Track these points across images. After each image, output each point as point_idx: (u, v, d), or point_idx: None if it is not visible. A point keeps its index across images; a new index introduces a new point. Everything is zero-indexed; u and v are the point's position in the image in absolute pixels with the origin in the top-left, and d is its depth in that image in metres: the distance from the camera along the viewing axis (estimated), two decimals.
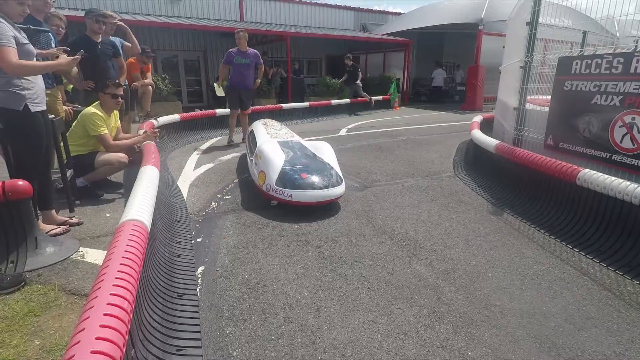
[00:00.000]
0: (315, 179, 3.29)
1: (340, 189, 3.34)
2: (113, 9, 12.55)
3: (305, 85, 14.70)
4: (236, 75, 5.97)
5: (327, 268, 2.37)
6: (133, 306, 1.26)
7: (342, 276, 2.28)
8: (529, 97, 4.27)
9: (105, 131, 3.55)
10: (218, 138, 6.94)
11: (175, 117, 6.64)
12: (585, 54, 3.37)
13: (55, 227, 2.75)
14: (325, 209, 3.33)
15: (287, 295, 2.08)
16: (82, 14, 6.93)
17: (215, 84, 6.36)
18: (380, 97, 12.96)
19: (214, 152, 5.81)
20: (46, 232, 2.60)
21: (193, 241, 2.70)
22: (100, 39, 4.24)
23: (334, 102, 11.21)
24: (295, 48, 14.88)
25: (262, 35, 13.91)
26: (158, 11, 13.63)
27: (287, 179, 3.26)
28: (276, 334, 1.77)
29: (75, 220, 2.98)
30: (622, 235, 2.51)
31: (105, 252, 2.41)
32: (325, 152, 3.91)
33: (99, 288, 1.23)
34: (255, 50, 6.15)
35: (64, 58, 2.61)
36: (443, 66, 16.88)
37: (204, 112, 7.68)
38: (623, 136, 2.86)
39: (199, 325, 1.78)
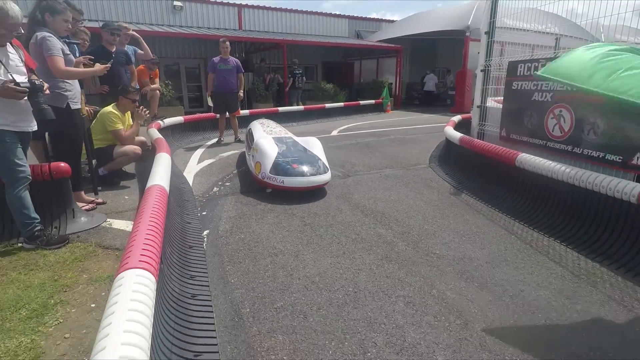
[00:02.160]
0: (304, 168, 3.78)
1: (326, 177, 3.87)
2: (118, 18, 13.29)
3: (302, 90, 15.34)
4: (220, 81, 6.56)
5: (307, 231, 2.96)
6: (162, 236, 1.84)
7: (318, 236, 2.87)
8: (496, 98, 4.87)
9: (120, 127, 4.15)
10: (218, 139, 7.53)
11: (179, 119, 7.26)
12: (527, 58, 3.97)
13: (86, 204, 3.35)
14: (313, 193, 3.91)
15: (274, 248, 2.66)
16: (89, 23, 7.58)
17: (208, 97, 6.98)
18: (372, 101, 13.63)
19: (214, 150, 6.41)
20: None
21: (199, 214, 3.29)
22: (114, 49, 4.85)
23: (328, 105, 11.84)
24: (292, 55, 15.57)
25: (260, 43, 14.60)
26: (161, 21, 14.35)
27: (279, 168, 3.76)
28: (263, 270, 2.35)
29: (100, 200, 3.57)
30: (547, 204, 3.11)
31: (127, 222, 3.02)
32: (315, 146, 4.41)
33: (139, 223, 1.81)
34: (237, 59, 6.75)
35: (97, 66, 3.23)
36: (434, 71, 17.53)
37: (204, 114, 8.30)
38: (554, 126, 3.46)
39: (205, 265, 2.36)
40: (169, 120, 6.72)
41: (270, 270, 2.35)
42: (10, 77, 2.38)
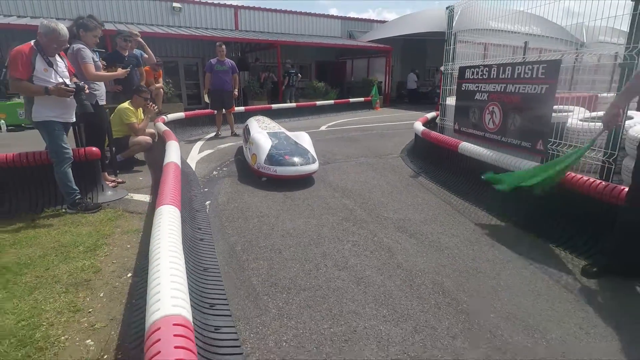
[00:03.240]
0: (295, 159, 4.32)
1: (314, 166, 4.41)
2: (120, 19, 14.00)
3: (298, 88, 16.11)
4: (216, 80, 7.33)
5: (288, 201, 3.76)
6: (180, 197, 2.62)
7: (296, 205, 3.67)
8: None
9: (134, 120, 4.93)
10: (216, 132, 8.31)
11: (180, 114, 8.03)
12: (472, 65, 4.77)
13: (109, 182, 4.13)
14: (300, 179, 4.70)
15: (260, 212, 3.46)
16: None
17: (204, 95, 7.75)
18: (362, 99, 14.43)
19: (213, 142, 7.19)
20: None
21: (202, 190, 4.08)
22: (127, 53, 5.61)
23: (319, 103, 12.62)
24: (286, 54, 16.29)
25: (255, 43, 15.34)
26: (161, 21, 15.04)
27: (273, 159, 4.28)
28: (252, 225, 3.16)
29: (120, 180, 4.35)
30: (477, 181, 3.92)
31: (144, 195, 3.80)
32: (305, 140, 4.95)
33: (165, 182, 2.60)
34: (232, 60, 7.52)
35: (120, 70, 4.00)
36: (417, 70, 18.32)
37: (203, 111, 9.06)
38: (489, 120, 4.27)
39: (209, 222, 3.16)
40: (171, 116, 7.50)
41: (257, 226, 3.15)
42: (61, 80, 3.16)
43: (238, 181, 4.52)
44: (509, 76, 3.92)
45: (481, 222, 3.29)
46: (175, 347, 1.01)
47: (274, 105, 11.22)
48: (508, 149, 3.94)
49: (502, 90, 4.03)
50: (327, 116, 12.13)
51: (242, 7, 16.83)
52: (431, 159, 5.05)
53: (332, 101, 13.25)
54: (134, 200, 3.80)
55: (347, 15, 20.26)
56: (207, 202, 3.71)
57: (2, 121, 8.98)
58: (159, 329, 1.08)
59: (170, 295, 1.24)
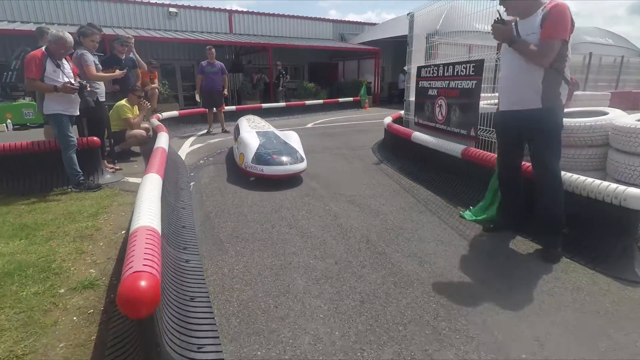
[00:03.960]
0: (283, 158, 4.24)
1: (302, 165, 4.32)
2: (119, 23, 14.66)
3: (287, 89, 16.76)
4: (208, 81, 7.98)
5: (260, 183, 4.38)
6: (163, 179, 3.25)
7: (267, 185, 4.30)
8: None
9: (130, 115, 5.57)
10: (207, 129, 8.96)
11: (174, 113, 8.67)
12: (427, 64, 5.39)
13: (109, 168, 4.76)
14: None
15: (236, 190, 4.10)
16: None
17: (196, 94, 8.40)
18: (351, 99, 15.07)
19: (204, 138, 7.83)
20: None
21: (188, 174, 4.71)
22: (124, 56, 6.25)
23: (308, 102, 13.27)
24: (280, 56, 16.96)
25: (249, 46, 15.99)
26: (158, 25, 15.72)
27: (260, 159, 4.23)
28: (226, 198, 3.79)
29: (117, 167, 4.99)
30: (424, 164, 4.56)
31: (138, 178, 4.42)
32: (293, 139, 4.93)
33: (153, 159, 3.23)
34: (221, 63, 8.16)
35: (117, 72, 4.65)
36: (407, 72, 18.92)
37: (196, 109, 9.70)
38: (438, 112, 4.91)
39: (190, 197, 3.79)
40: (165, 114, 8.14)
41: (230, 199, 3.79)
42: (67, 79, 3.80)
43: (220, 168, 5.15)
44: (451, 74, 4.55)
45: (419, 197, 3.92)
46: (146, 241, 1.63)
47: (264, 105, 11.87)
48: (452, 136, 4.57)
49: (446, 86, 4.66)
50: (316, 115, 12.77)
51: (236, 11, 17.53)
52: (393, 148, 5.69)
53: (321, 101, 13.90)
54: (129, 182, 4.43)
55: (339, 19, 20.83)
56: (192, 183, 4.35)
57: (9, 120, 9.63)
58: (136, 231, 1.71)
59: (147, 215, 1.87)
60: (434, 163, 4.42)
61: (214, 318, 1.86)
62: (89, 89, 4.01)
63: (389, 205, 3.65)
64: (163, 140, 4.12)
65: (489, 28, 2.71)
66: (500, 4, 2.66)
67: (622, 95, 13.15)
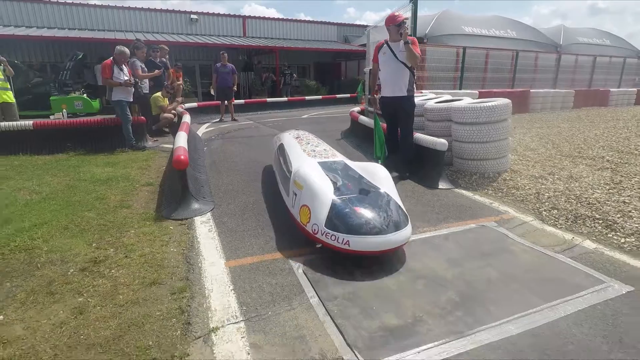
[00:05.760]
0: (371, 214, 2.57)
1: (407, 231, 2.57)
2: (148, 29, 17.02)
3: (292, 86, 18.87)
4: (221, 80, 10.13)
5: (249, 148, 6.49)
6: (188, 136, 5.37)
7: (253, 149, 6.40)
8: None
9: (163, 104, 7.77)
10: (220, 118, 11.17)
11: (194, 104, 10.89)
12: None
13: (150, 139, 6.96)
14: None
15: (233, 151, 6.22)
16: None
17: (211, 89, 10.57)
18: (348, 95, 17.03)
19: (216, 124, 10.01)
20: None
21: (203, 144, 6.85)
22: (158, 60, 8.44)
23: (308, 97, 15.31)
24: (288, 57, 19.04)
25: (259, 49, 18.15)
26: (181, 30, 18.04)
27: (339, 218, 2.54)
28: (227, 155, 5.92)
29: (156, 139, 7.18)
30: (365, 139, 6.56)
31: (170, 145, 6.62)
32: (379, 175, 3.14)
33: (179, 135, 5.35)
34: (232, 65, 10.30)
35: (156, 71, 6.83)
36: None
37: (211, 102, 11.89)
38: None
39: (205, 153, 5.92)
40: (187, 105, 10.35)
41: (229, 156, 5.90)
42: (127, 78, 6.00)
43: (226, 141, 7.29)
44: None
45: (351, 155, 5.94)
46: (181, 151, 3.72)
47: (269, 99, 13.99)
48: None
49: None
50: (314, 109, 14.78)
51: (249, 16, 19.72)
52: (352, 129, 7.71)
53: (319, 96, 15.93)
54: (164, 147, 6.62)
55: (342, 22, 22.77)
56: (205, 148, 6.50)
57: (64, 110, 12.05)
58: (179, 148, 3.81)
59: (183, 143, 3.98)
60: (369, 137, 6.43)
61: (210, 190, 3.96)
62: (139, 84, 6.20)
63: None
64: (187, 118, 6.27)
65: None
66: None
67: (588, 94, 14.76)
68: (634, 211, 3.29)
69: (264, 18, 20.05)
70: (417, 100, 5.79)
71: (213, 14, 18.68)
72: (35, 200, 3.69)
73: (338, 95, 16.70)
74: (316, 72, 21.23)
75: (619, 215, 3.24)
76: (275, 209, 3.59)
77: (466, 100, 5.35)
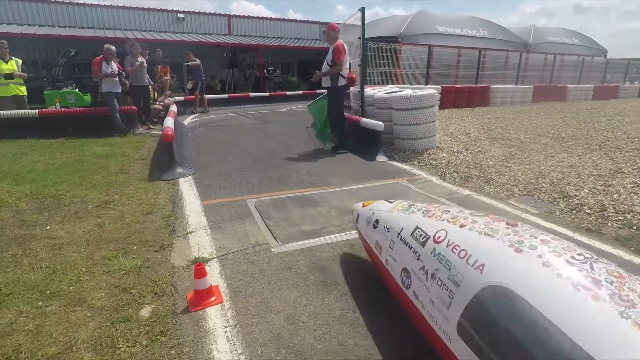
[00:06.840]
0: None
1: None
2: (136, 27, 17.79)
3: (275, 82, 19.81)
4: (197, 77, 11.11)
5: (231, 135, 7.49)
6: (175, 120, 6.35)
7: (235, 134, 7.40)
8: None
9: (152, 97, 8.70)
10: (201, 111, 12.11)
11: (180, 98, 11.82)
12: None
13: (142, 127, 7.91)
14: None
15: (215, 136, 7.23)
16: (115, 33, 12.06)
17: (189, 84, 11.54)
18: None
19: (200, 115, 10.96)
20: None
21: (188, 131, 7.83)
22: (146, 57, 9.35)
23: (289, 92, 16.30)
24: (272, 55, 19.94)
25: (244, 47, 19.05)
26: (168, 28, 18.81)
27: None
28: (209, 139, 6.92)
29: (146, 127, 8.13)
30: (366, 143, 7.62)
31: (159, 132, 7.61)
32: None
33: (167, 120, 6.33)
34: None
35: (137, 65, 7.78)
36: None
37: (192, 97, 12.79)
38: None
39: (189, 138, 6.91)
40: (175, 98, 11.28)
41: (210, 140, 6.90)
42: (111, 71, 6.95)
43: (210, 128, 8.27)
44: None
45: (314, 140, 6.99)
46: (169, 129, 4.72)
47: (252, 94, 14.94)
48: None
49: None
50: (295, 103, 15.75)
51: (235, 15, 20.58)
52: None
53: (300, 91, 16.93)
54: (154, 133, 7.58)
55: (326, 21, 23.72)
56: (189, 134, 7.48)
57: (57, 104, 12.83)
58: (167, 127, 4.80)
59: (171, 124, 4.97)
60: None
61: (193, 162, 4.98)
62: (123, 77, 7.18)
63: (293, 140, 6.74)
64: (174, 108, 7.25)
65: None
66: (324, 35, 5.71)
67: (546, 89, 16.06)
68: (508, 171, 4.42)
69: (248, 17, 20.94)
70: (370, 91, 6.89)
71: (199, 13, 19.50)
72: (51, 169, 4.66)
73: (318, 91, 17.69)
74: (300, 69, 22.19)
75: (496, 175, 4.37)
76: (241, 173, 4.63)
77: (406, 91, 6.45)
